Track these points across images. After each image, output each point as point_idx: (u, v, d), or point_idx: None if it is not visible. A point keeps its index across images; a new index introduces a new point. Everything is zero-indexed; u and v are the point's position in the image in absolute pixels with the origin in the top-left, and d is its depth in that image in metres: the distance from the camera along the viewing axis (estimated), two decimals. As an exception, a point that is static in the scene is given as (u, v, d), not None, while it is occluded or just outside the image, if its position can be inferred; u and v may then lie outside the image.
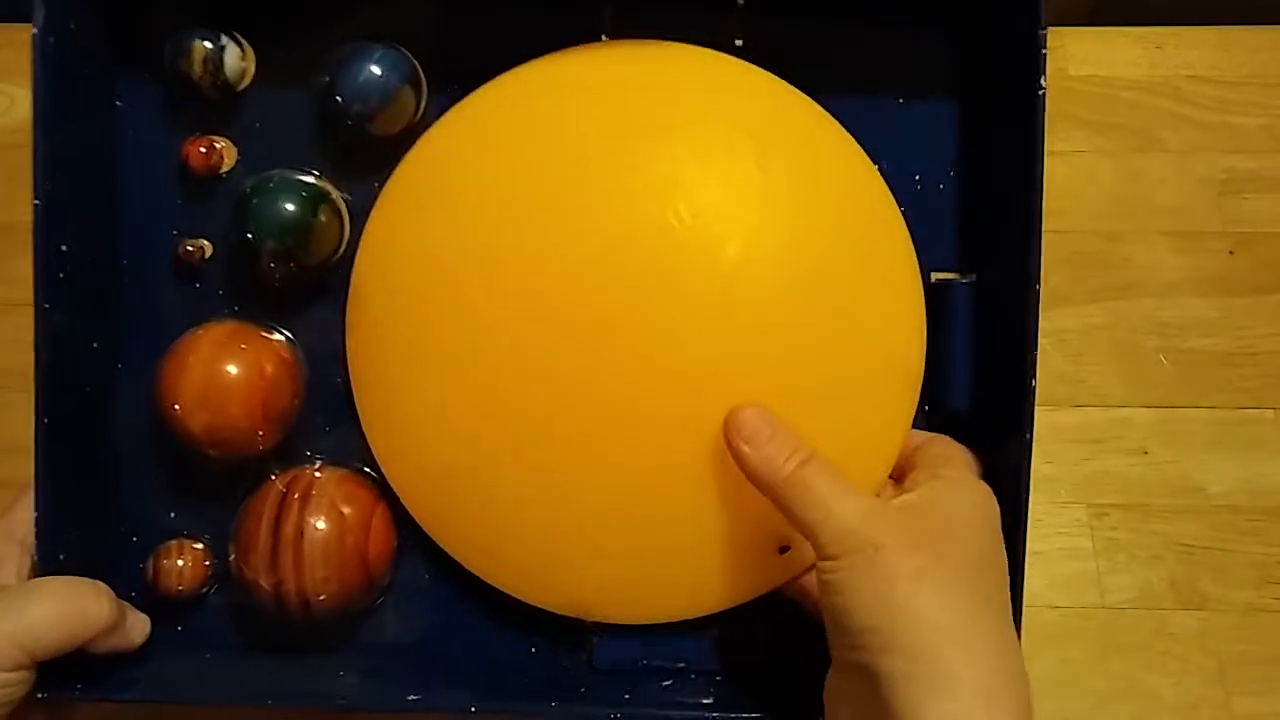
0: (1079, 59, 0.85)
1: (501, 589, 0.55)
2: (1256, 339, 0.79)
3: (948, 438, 0.54)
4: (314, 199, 0.56)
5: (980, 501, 0.49)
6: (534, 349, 0.52)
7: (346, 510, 0.55)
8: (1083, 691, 0.73)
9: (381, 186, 0.57)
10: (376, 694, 0.55)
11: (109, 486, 0.58)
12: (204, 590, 0.57)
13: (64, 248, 0.54)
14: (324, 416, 0.59)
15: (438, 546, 0.57)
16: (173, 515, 0.58)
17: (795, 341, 0.51)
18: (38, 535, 0.53)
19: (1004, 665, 0.43)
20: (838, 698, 0.48)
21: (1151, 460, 0.77)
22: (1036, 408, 0.79)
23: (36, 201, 0.53)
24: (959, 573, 0.44)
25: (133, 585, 0.58)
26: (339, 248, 0.58)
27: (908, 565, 0.44)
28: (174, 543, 0.57)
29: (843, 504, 0.46)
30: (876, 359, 0.53)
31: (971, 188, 0.57)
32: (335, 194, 0.57)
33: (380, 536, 0.56)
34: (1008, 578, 0.47)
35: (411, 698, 0.53)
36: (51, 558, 0.54)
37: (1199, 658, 0.73)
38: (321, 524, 0.54)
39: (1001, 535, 0.48)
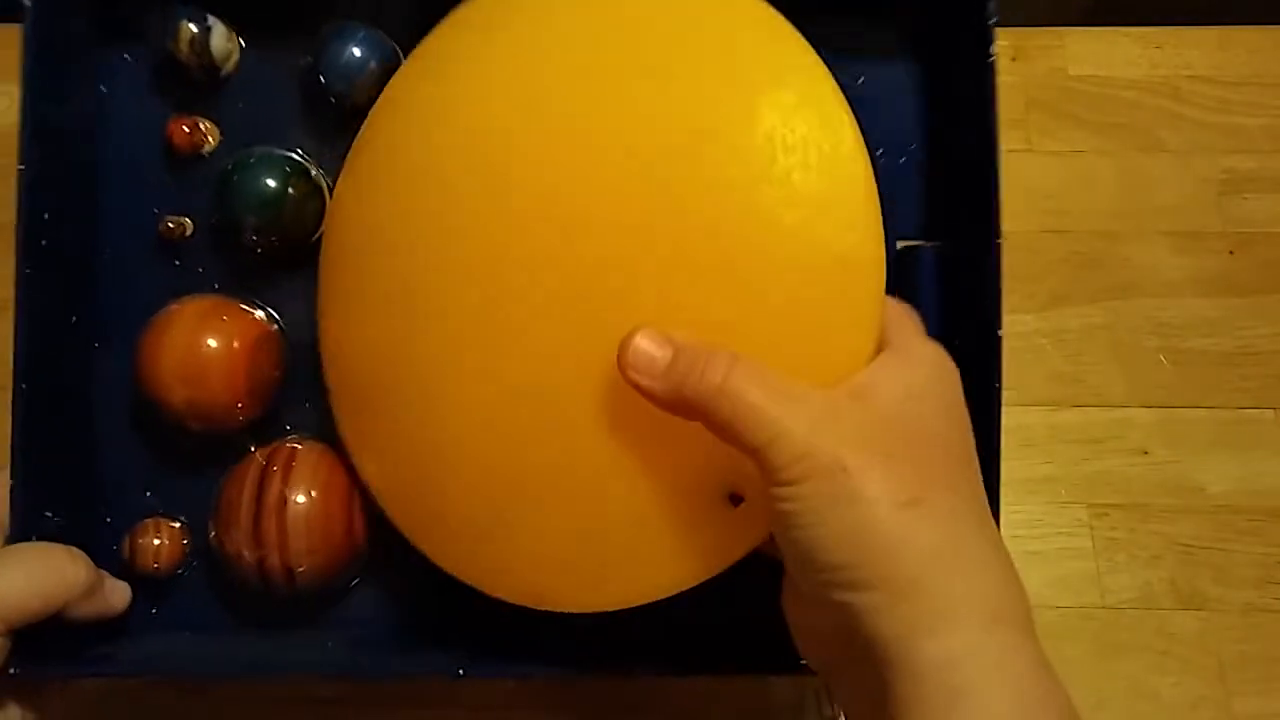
0: (1079, 59, 0.85)
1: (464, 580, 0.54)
2: (1256, 339, 0.79)
3: (892, 299, 0.47)
4: (294, 175, 0.56)
5: (932, 369, 0.44)
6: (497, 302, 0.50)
7: (329, 481, 0.55)
8: (1083, 691, 0.71)
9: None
10: (362, 663, 0.55)
11: (86, 466, 0.58)
12: (181, 569, 0.56)
13: (46, 215, 0.54)
14: (304, 390, 0.58)
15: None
16: (149, 495, 0.58)
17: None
18: (13, 515, 0.53)
19: (998, 578, 0.39)
20: (807, 634, 0.44)
21: (1151, 460, 0.77)
22: (1036, 407, 0.79)
23: (21, 167, 0.53)
24: (932, 471, 0.40)
25: (110, 566, 0.56)
26: (319, 224, 0.58)
27: (879, 486, 0.38)
28: (150, 521, 0.56)
29: (789, 412, 0.39)
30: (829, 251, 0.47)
31: (933, 157, 0.59)
32: (316, 171, 0.58)
33: (364, 507, 0.56)
34: (975, 454, 0.43)
35: (398, 666, 0.54)
36: (27, 539, 0.53)
37: (1199, 658, 0.72)
38: (303, 496, 0.54)
39: (963, 400, 0.44)
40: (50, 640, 0.50)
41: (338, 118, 0.57)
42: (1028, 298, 0.78)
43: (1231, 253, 0.80)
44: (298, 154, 0.58)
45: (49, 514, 0.54)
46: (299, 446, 0.55)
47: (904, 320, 0.46)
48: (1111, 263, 0.80)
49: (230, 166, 0.56)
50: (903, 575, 0.37)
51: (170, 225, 0.57)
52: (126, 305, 0.58)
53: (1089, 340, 0.79)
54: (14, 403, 0.53)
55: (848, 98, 0.47)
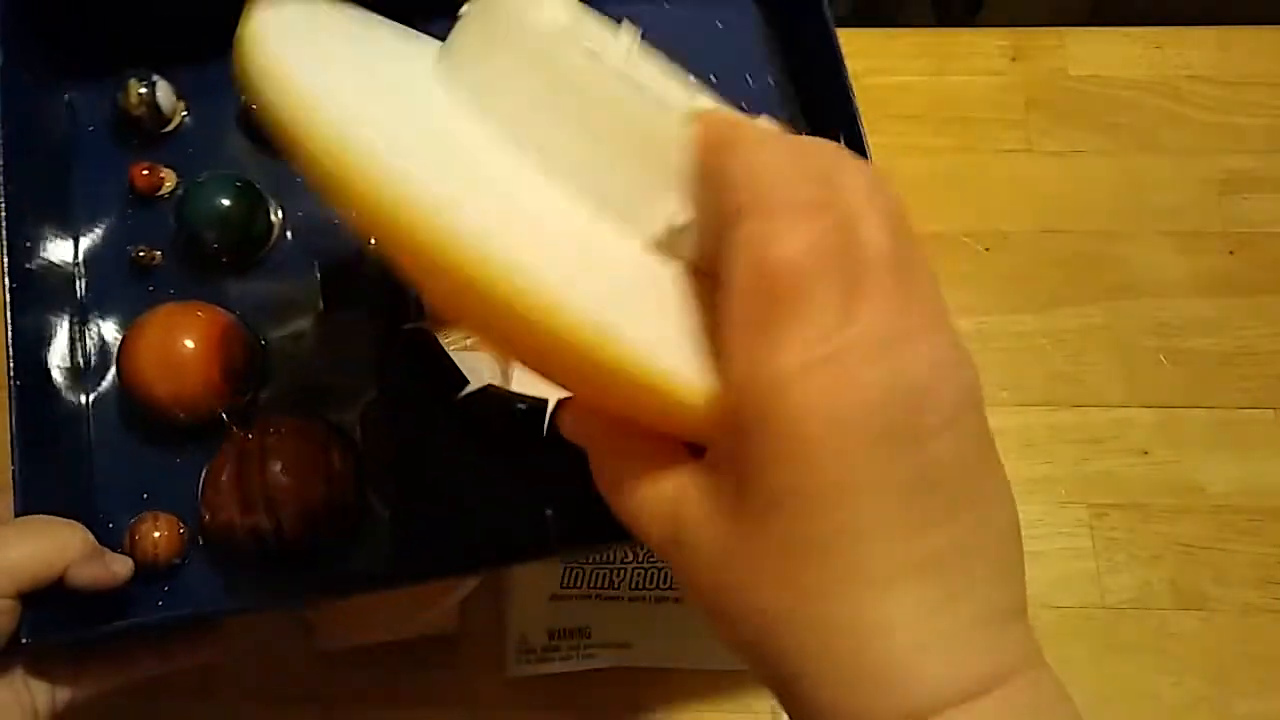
0: (1079, 59, 0.85)
1: None
2: (1256, 339, 0.79)
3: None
4: (242, 192, 0.61)
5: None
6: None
7: (305, 449, 0.58)
8: (1083, 691, 0.71)
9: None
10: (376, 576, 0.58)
11: (82, 477, 0.60)
12: (180, 558, 0.58)
13: (27, 243, 0.58)
14: (276, 377, 0.62)
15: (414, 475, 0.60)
16: (145, 497, 0.59)
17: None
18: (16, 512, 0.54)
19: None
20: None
21: (1151, 460, 0.77)
22: (1035, 407, 0.79)
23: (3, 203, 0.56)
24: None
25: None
26: (268, 234, 0.63)
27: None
28: (148, 514, 0.58)
29: None
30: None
31: (791, 78, 0.63)
32: (259, 188, 0.62)
33: (342, 470, 0.59)
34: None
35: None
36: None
37: (1199, 658, 0.72)
38: (283, 461, 0.57)
39: None
40: (60, 611, 0.52)
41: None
42: (1028, 298, 0.78)
43: (1231, 253, 0.80)
44: (247, 179, 0.62)
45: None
46: (276, 424, 0.58)
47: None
48: (1111, 263, 0.80)
49: (187, 189, 0.61)
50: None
51: (141, 254, 0.61)
52: (107, 324, 0.62)
53: (1089, 340, 0.79)
54: (10, 426, 0.54)
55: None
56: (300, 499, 0.56)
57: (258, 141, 0.62)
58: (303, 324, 0.61)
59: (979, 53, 0.83)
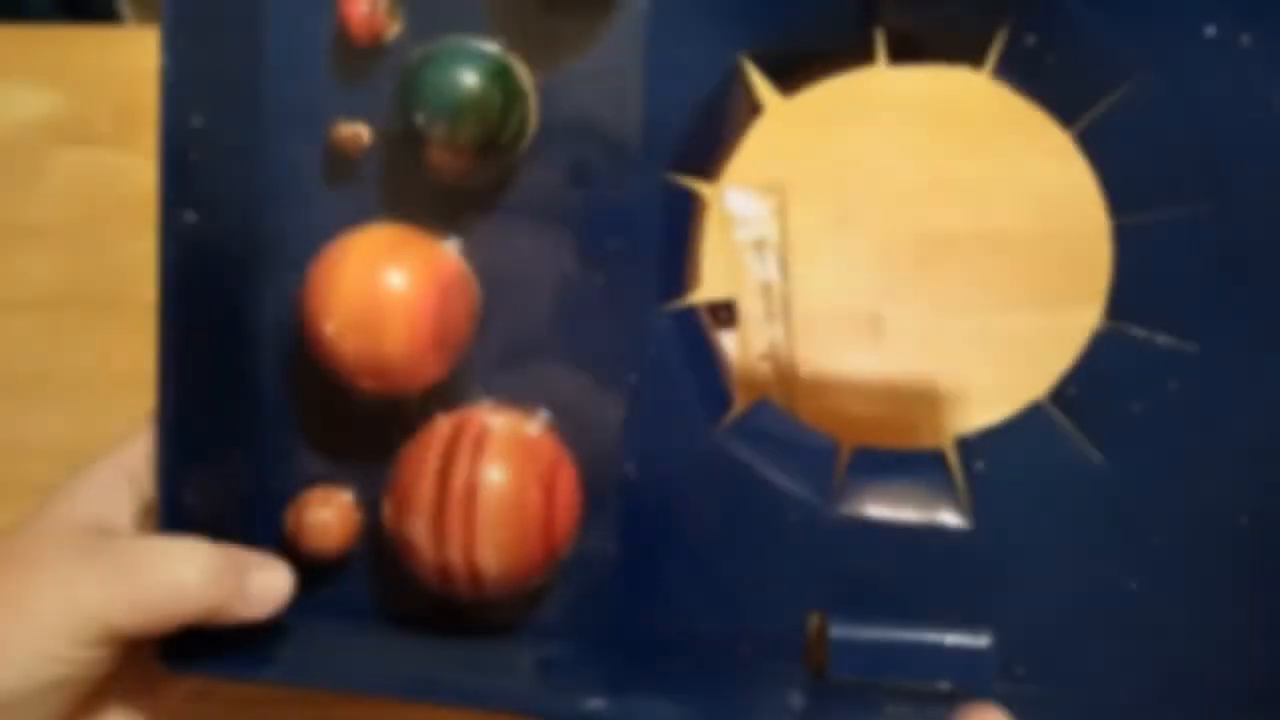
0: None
1: None
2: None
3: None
4: (496, 72, 0.44)
5: None
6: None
7: (527, 461, 0.45)
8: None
9: (576, 64, 0.46)
10: (554, 695, 0.45)
11: (244, 422, 0.48)
12: (352, 548, 0.47)
13: (195, 124, 0.44)
14: (502, 348, 0.48)
15: (628, 512, 0.49)
16: (316, 459, 0.48)
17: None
18: (159, 477, 0.45)
19: None
20: None
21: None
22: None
23: (164, 59, 0.43)
24: None
25: (271, 539, 0.48)
26: (524, 135, 0.46)
27: None
28: (318, 491, 0.48)
29: None
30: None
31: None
32: (521, 68, 0.46)
33: (566, 496, 0.47)
34: None
35: (592, 704, 0.44)
36: (173, 503, 0.45)
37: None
38: (498, 477, 0.44)
39: None
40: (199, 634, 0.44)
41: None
42: (1029, 297, 0.75)
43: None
44: (497, 47, 0.45)
45: (200, 475, 0.45)
46: (495, 419, 0.45)
47: None
48: None
49: (416, 61, 0.44)
50: None
51: (344, 134, 0.46)
52: (293, 233, 0.48)
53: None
54: (159, 352, 0.44)
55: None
56: (508, 541, 0.45)
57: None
58: (538, 280, 0.48)
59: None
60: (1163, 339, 0.45)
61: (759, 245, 0.75)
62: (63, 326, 0.77)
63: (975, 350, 0.73)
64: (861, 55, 0.47)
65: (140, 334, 0.75)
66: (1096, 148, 0.45)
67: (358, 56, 0.46)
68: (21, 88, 0.82)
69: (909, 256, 0.76)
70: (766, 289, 0.74)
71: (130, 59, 0.81)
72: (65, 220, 0.79)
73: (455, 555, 0.44)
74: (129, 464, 0.46)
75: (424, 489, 0.44)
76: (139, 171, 0.77)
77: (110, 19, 1.11)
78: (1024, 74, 0.45)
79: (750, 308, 0.74)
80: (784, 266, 0.74)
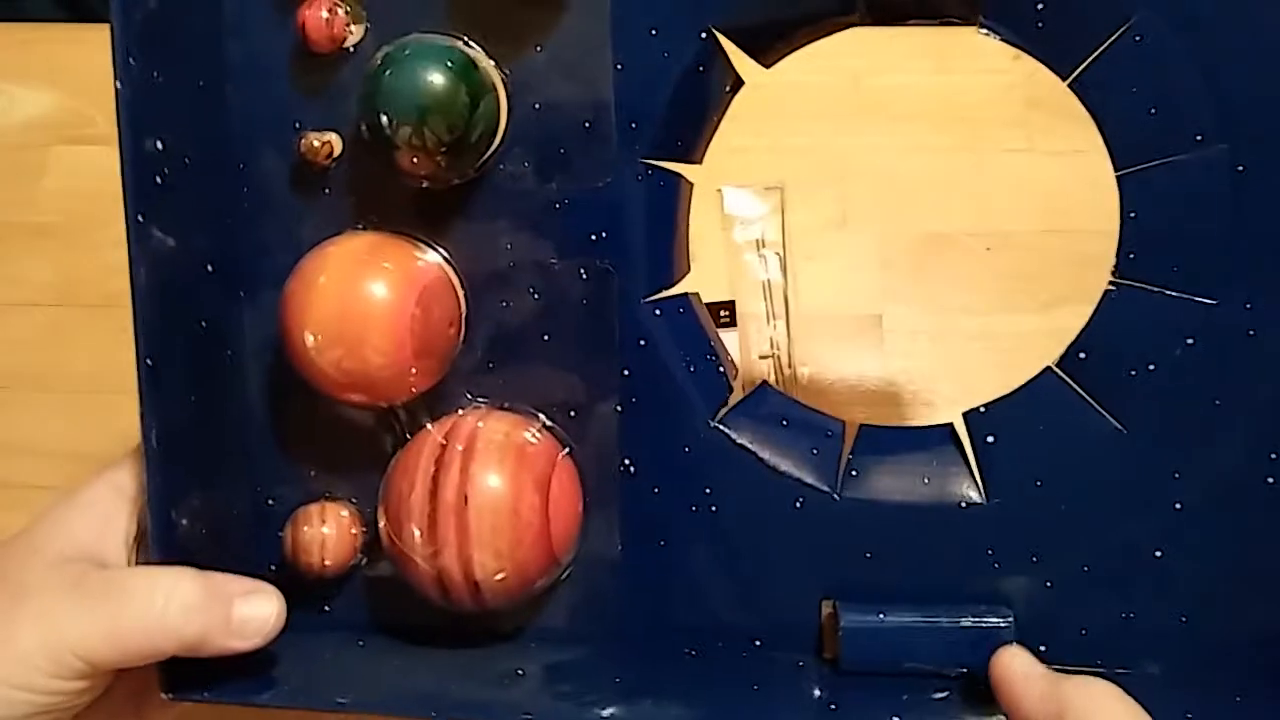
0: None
1: None
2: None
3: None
4: (459, 69, 0.43)
5: None
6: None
7: (521, 465, 0.44)
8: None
9: (543, 53, 0.45)
10: (564, 705, 0.45)
11: (234, 442, 0.48)
12: (352, 564, 0.47)
13: (159, 145, 0.43)
14: (489, 350, 0.47)
15: (630, 510, 0.48)
16: (312, 474, 0.48)
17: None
18: (150, 503, 0.44)
19: None
20: None
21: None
22: None
23: (117, 85, 0.41)
24: None
25: (269, 558, 0.48)
26: (495, 133, 0.45)
27: None
28: (315, 507, 0.47)
29: None
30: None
31: None
32: (487, 63, 0.44)
33: (565, 497, 0.45)
34: None
35: (605, 712, 0.43)
36: (167, 526, 0.44)
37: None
38: (492, 482, 0.43)
39: None
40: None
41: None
42: (1029, 297, 0.74)
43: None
44: (464, 42, 0.44)
45: (194, 496, 0.45)
46: (484, 422, 0.44)
47: None
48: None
49: (379, 61, 0.43)
50: None
51: (315, 143, 0.45)
52: (269, 245, 0.47)
53: None
54: (139, 373, 0.43)
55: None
56: (505, 548, 0.44)
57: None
58: (521, 278, 0.47)
59: (980, 51, 0.76)
60: (1175, 293, 0.43)
61: (759, 245, 0.74)
62: (62, 326, 0.77)
63: (975, 350, 0.73)
64: (841, 17, 0.44)
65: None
66: (1095, 96, 0.43)
67: (320, 64, 0.45)
68: (22, 87, 0.82)
69: (909, 257, 0.75)
70: (766, 289, 0.73)
71: None
72: (62, 219, 0.79)
73: (451, 565, 0.43)
74: (124, 484, 0.45)
75: (415, 499, 0.43)
76: (140, 171, 0.76)
77: (108, 18, 1.11)
78: (1015, 24, 0.43)
79: (750, 308, 0.73)
80: (784, 267, 0.73)
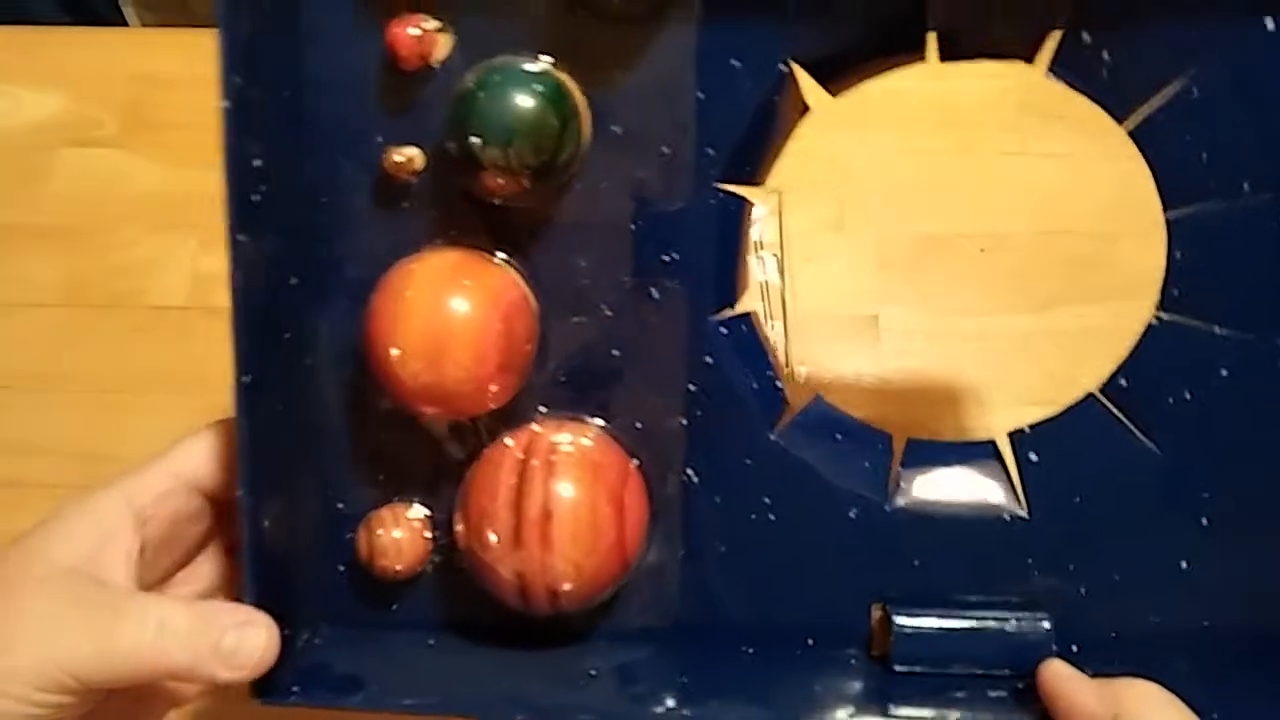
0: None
1: None
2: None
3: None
4: (551, 95, 0.44)
5: None
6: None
7: (597, 479, 0.46)
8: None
9: (629, 80, 0.46)
10: (636, 706, 0.47)
11: (309, 446, 0.49)
12: (424, 567, 0.48)
13: (257, 162, 0.43)
14: (561, 364, 0.49)
15: (691, 516, 0.50)
16: (381, 478, 0.49)
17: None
18: (242, 508, 0.44)
19: None
20: None
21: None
22: (1037, 407, 0.71)
23: (225, 104, 0.41)
24: None
25: (337, 560, 0.50)
26: (579, 154, 0.46)
27: None
28: (387, 511, 0.48)
29: None
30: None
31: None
32: (573, 88, 0.45)
33: (635, 507, 0.47)
34: None
35: (664, 707, 0.46)
36: (259, 534, 0.45)
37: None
38: (572, 497, 0.45)
39: None
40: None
41: (598, 14, 0.45)
42: (1027, 298, 0.75)
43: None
44: (551, 63, 0.45)
45: (277, 501, 0.46)
46: (561, 436, 0.46)
47: None
48: (1111, 264, 0.76)
49: (473, 85, 0.44)
50: None
51: (397, 159, 0.45)
52: (347, 258, 0.48)
53: (1088, 341, 0.74)
54: (236, 386, 0.44)
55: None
56: (584, 558, 0.46)
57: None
58: (594, 295, 0.48)
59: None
60: (1214, 328, 0.46)
61: (757, 246, 0.75)
62: (67, 327, 0.77)
63: (975, 350, 0.75)
64: (912, 54, 0.46)
65: (142, 334, 0.75)
66: (1150, 142, 0.46)
67: (404, 80, 0.46)
68: (25, 89, 0.81)
69: (905, 258, 0.77)
70: (764, 289, 0.74)
71: (133, 61, 0.81)
72: (68, 221, 0.79)
73: (534, 575, 0.45)
74: (136, 496, 0.44)
75: (499, 511, 0.45)
76: (142, 173, 0.76)
77: (113, 21, 1.09)
78: (1079, 71, 0.45)
79: (748, 308, 0.75)
80: (781, 268, 0.75)
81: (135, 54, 0.82)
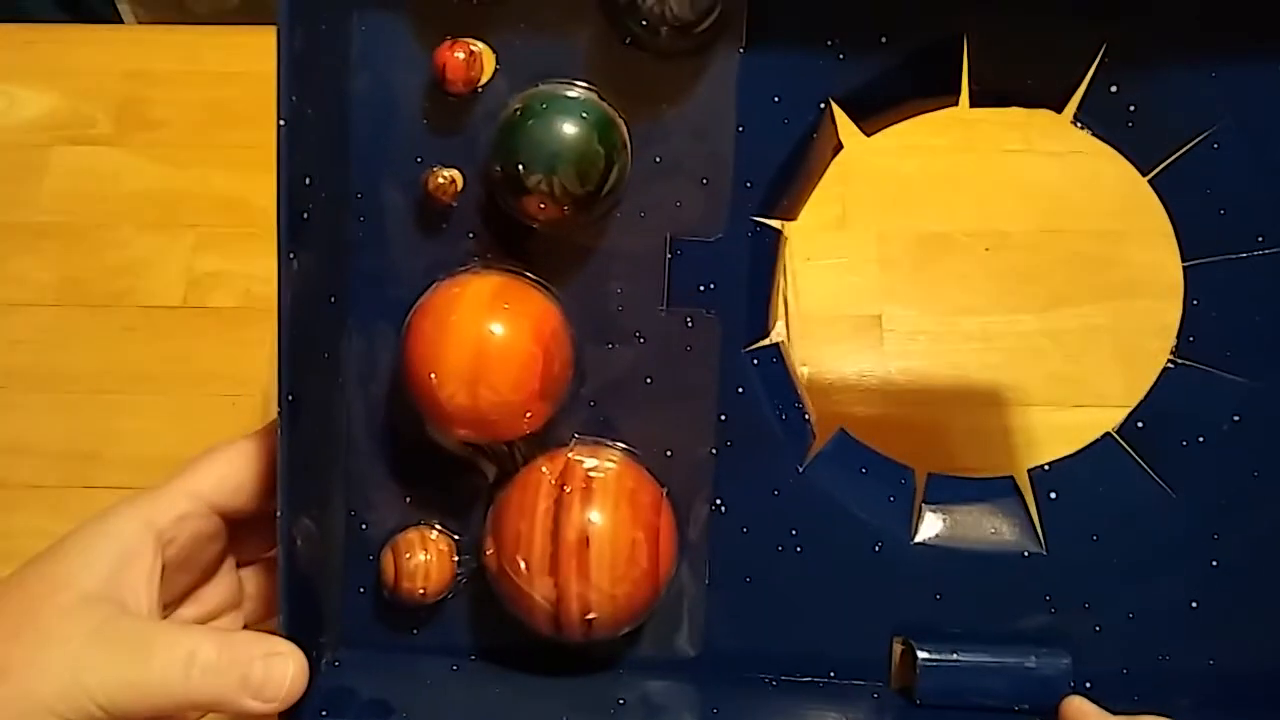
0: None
1: None
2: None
3: None
4: (597, 124, 0.44)
5: None
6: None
7: (633, 508, 0.46)
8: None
9: (671, 112, 0.47)
10: None
11: (336, 466, 0.48)
12: (450, 592, 0.48)
13: (308, 181, 0.43)
14: (594, 390, 0.49)
15: (719, 547, 0.50)
16: (407, 500, 0.49)
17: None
18: (280, 531, 0.44)
19: None
20: None
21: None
22: (1036, 408, 0.76)
23: (281, 122, 0.41)
24: None
25: (360, 580, 0.49)
26: (622, 184, 0.46)
27: None
28: (414, 534, 0.48)
29: None
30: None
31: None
32: (616, 117, 0.46)
33: (667, 536, 0.48)
34: None
35: None
36: (295, 553, 0.45)
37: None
38: (608, 523, 0.46)
39: None
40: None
41: (648, 45, 0.46)
42: (1029, 298, 0.76)
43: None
44: (594, 91, 0.46)
45: (307, 521, 0.46)
46: (594, 464, 0.46)
47: None
48: (1113, 263, 0.77)
49: (515, 112, 0.44)
50: None
51: (440, 180, 0.45)
52: (382, 279, 0.48)
53: (1089, 340, 0.76)
54: (280, 405, 0.43)
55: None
56: (619, 587, 0.46)
57: (622, 27, 0.45)
58: (628, 323, 0.49)
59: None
60: (1227, 374, 0.47)
61: None
62: (62, 327, 0.76)
63: (975, 350, 0.75)
64: (946, 98, 0.48)
65: (139, 334, 0.74)
66: (1171, 192, 0.47)
67: (450, 103, 0.46)
68: (20, 87, 0.80)
69: (908, 257, 0.78)
70: None
71: (130, 59, 0.80)
72: (62, 220, 0.77)
73: (569, 602, 0.45)
74: (155, 518, 0.43)
75: (535, 539, 0.45)
76: (137, 171, 0.75)
77: (108, 18, 1.08)
78: (1105, 121, 0.47)
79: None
80: (784, 266, 0.75)
81: (130, 52, 0.81)
